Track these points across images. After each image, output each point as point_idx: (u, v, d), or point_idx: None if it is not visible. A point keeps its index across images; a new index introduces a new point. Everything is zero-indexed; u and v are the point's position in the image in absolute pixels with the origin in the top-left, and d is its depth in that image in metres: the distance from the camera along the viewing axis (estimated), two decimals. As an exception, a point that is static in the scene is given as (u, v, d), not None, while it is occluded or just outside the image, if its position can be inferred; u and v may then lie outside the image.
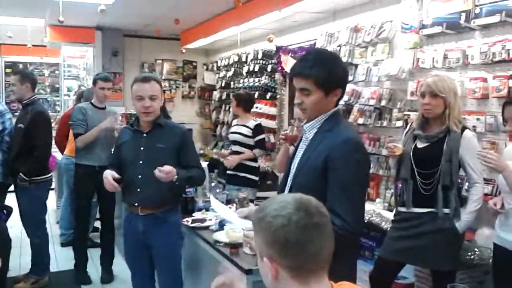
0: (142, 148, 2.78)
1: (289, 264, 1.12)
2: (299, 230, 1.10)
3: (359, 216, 1.83)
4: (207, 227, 2.95)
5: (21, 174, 3.85)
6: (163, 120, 2.88)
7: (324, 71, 1.82)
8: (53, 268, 4.32)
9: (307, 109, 1.88)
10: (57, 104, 10.36)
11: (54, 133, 4.70)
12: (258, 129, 4.53)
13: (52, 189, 5.57)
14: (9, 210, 3.90)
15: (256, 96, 6.54)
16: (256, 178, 4.56)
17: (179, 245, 2.91)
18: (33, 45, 8.85)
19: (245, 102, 4.62)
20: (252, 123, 4.55)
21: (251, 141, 4.49)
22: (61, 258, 4.80)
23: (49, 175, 4.12)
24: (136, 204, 2.80)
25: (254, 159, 4.56)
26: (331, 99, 1.87)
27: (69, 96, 8.39)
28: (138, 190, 2.76)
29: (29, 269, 4.14)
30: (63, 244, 5.23)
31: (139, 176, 2.75)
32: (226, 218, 2.68)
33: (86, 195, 4.21)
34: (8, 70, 10.55)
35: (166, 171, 2.59)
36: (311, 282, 1.13)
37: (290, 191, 1.90)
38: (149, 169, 2.64)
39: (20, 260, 4.50)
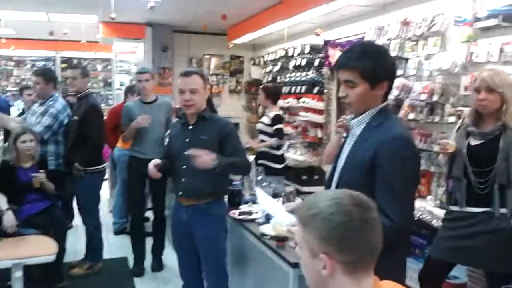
0: (187, 140, 2.84)
1: (346, 260, 1.11)
2: (362, 225, 1.10)
3: (406, 214, 1.78)
4: (253, 220, 2.98)
5: (76, 164, 4.01)
6: (208, 113, 2.92)
7: (370, 62, 1.79)
8: (106, 255, 4.49)
9: (352, 102, 1.85)
10: (110, 98, 10.69)
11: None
12: (276, 119, 4.69)
13: (106, 179, 5.79)
14: (65, 198, 4.08)
15: (303, 90, 6.54)
16: (279, 166, 4.70)
17: (223, 238, 2.92)
18: (86, 41, 9.19)
19: (273, 95, 4.80)
20: (273, 113, 4.71)
21: (270, 130, 4.67)
22: (113, 246, 4.98)
23: (103, 165, 4.29)
24: (181, 193, 2.88)
25: (277, 148, 4.72)
26: (377, 93, 1.82)
27: (121, 90, 8.63)
28: (183, 180, 2.84)
29: (83, 255, 4.33)
30: (116, 233, 5.41)
31: (184, 167, 2.81)
32: (270, 213, 2.68)
33: (137, 186, 4.33)
34: (63, 66, 10.98)
35: (200, 153, 2.63)
36: (363, 277, 1.13)
37: (337, 187, 1.88)
38: (192, 160, 2.68)
39: (76, 246, 4.70)
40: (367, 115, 1.85)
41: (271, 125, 4.67)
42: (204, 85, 2.87)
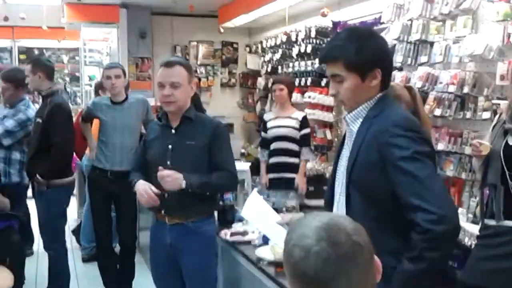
0: (170, 146, 2.83)
1: None
2: (319, 264, 1.07)
3: (443, 197, 1.76)
4: (248, 242, 2.97)
5: (37, 175, 4.01)
6: (194, 113, 2.90)
7: (354, 49, 1.84)
8: (74, 286, 4.48)
9: (344, 99, 1.92)
10: (78, 95, 10.69)
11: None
12: (305, 121, 4.68)
13: (74, 195, 5.78)
14: (22, 218, 4.08)
15: (308, 82, 6.53)
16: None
17: (214, 265, 2.93)
18: (49, 27, 9.18)
19: (292, 90, 4.69)
20: (299, 114, 4.68)
21: (297, 135, 4.65)
22: (82, 276, 4.98)
23: (70, 178, 4.29)
24: (163, 211, 2.86)
25: (296, 155, 4.68)
26: (369, 84, 1.89)
27: (90, 86, 8.63)
28: (166, 195, 2.81)
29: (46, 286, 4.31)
30: (84, 260, 5.41)
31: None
32: (260, 230, 2.69)
33: (102, 205, 4.34)
34: (22, 57, 10.99)
35: (164, 175, 2.66)
36: None
37: (347, 190, 1.91)
38: (177, 170, 2.70)
39: (37, 275, 4.69)
40: (363, 109, 1.92)
41: (299, 129, 4.63)
42: (189, 78, 2.86)
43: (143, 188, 2.78)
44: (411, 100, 2.80)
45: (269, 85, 7.84)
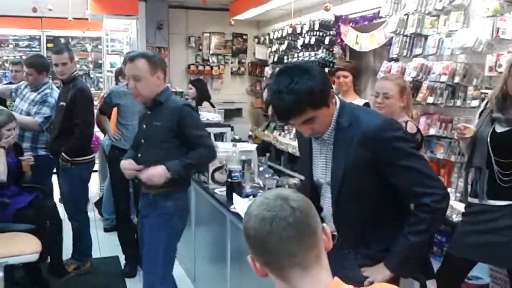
0: (144, 127, 2.93)
1: (261, 261, 1.19)
2: (256, 223, 1.17)
3: (437, 179, 1.94)
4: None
5: (62, 154, 4.05)
6: (165, 97, 2.91)
7: (310, 91, 1.76)
8: (95, 254, 4.54)
9: (321, 130, 1.91)
10: (100, 80, 10.70)
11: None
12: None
13: (96, 171, 5.82)
14: (45, 190, 4.14)
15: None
16: None
17: (164, 237, 2.92)
18: (74, 18, 9.17)
19: (357, 75, 4.40)
20: (360, 100, 4.34)
21: None
22: (104, 244, 5.02)
23: (91, 156, 4.33)
24: (137, 181, 3.03)
25: None
26: (331, 103, 1.88)
27: (112, 72, 8.64)
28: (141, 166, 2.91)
29: (70, 254, 4.38)
30: (106, 229, 5.46)
31: (139, 155, 2.93)
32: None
33: (122, 180, 4.36)
34: (50, 45, 10.99)
35: (147, 176, 2.76)
36: (293, 280, 1.16)
37: (339, 194, 1.95)
38: (147, 148, 2.86)
39: (62, 244, 4.74)
40: (332, 121, 1.92)
41: None
42: (152, 70, 2.81)
43: (126, 164, 2.90)
44: None
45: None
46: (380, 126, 1.86)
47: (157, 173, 2.74)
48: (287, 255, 1.15)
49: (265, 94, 7.43)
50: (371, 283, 1.80)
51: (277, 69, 2.16)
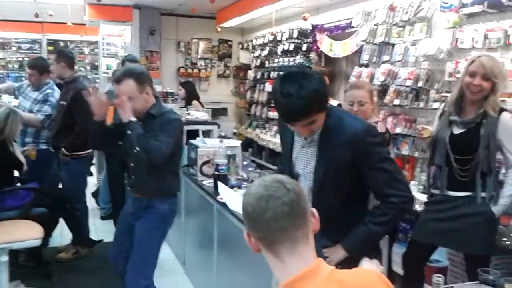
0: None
1: (256, 236, 1.21)
2: (254, 200, 1.19)
3: (405, 183, 2.02)
4: (239, 204, 2.98)
5: (62, 149, 4.02)
6: (158, 110, 2.80)
7: (316, 96, 1.79)
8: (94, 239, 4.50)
9: (316, 130, 1.93)
10: (97, 81, 10.58)
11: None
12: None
13: (93, 164, 5.77)
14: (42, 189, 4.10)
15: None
16: None
17: (157, 235, 2.89)
18: (73, 24, 9.04)
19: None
20: (334, 102, 4.13)
21: None
22: (100, 230, 4.97)
23: (90, 150, 4.28)
24: (130, 188, 2.97)
25: None
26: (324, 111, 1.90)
27: (107, 74, 8.56)
28: (133, 177, 2.89)
29: (70, 240, 4.34)
30: (103, 218, 5.42)
31: (131, 164, 2.86)
32: (231, 207, 2.73)
33: (117, 171, 4.34)
34: (50, 48, 10.82)
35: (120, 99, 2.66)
36: (282, 254, 1.19)
37: (319, 189, 1.97)
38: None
39: (62, 231, 4.70)
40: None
41: None
42: (140, 88, 2.71)
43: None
44: None
45: (258, 77, 7.85)
46: (364, 131, 1.90)
47: (128, 105, 2.66)
48: (279, 229, 1.17)
49: (265, 96, 7.42)
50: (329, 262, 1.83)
51: (280, 73, 2.19)
